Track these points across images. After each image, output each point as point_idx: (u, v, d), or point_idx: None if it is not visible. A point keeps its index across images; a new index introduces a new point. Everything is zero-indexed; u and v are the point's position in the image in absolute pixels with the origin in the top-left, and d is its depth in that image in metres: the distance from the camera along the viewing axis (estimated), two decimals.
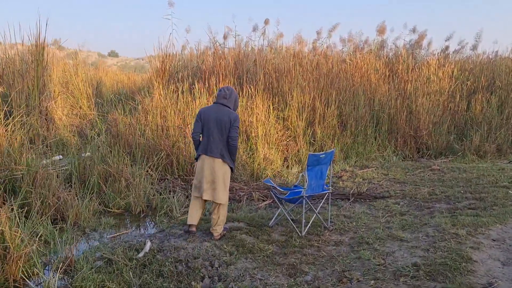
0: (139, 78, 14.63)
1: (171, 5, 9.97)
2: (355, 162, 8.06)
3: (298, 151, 7.85)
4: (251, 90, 8.16)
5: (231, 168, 4.31)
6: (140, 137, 6.92)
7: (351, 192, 5.95)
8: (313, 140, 8.22)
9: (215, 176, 4.20)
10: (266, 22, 10.19)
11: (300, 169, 7.29)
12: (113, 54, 40.55)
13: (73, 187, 5.13)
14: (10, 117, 7.46)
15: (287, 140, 8.00)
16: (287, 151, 7.86)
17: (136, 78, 14.68)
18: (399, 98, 9.33)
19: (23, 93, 7.87)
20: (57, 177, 5.06)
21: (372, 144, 8.61)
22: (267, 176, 6.79)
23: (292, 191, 4.73)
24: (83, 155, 6.70)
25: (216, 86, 8.33)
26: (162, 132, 7.17)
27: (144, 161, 6.31)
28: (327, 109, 8.53)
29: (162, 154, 6.50)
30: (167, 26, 9.96)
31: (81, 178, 5.55)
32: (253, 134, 7.46)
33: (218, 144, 4.18)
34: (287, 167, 7.38)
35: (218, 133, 4.17)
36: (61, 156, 6.75)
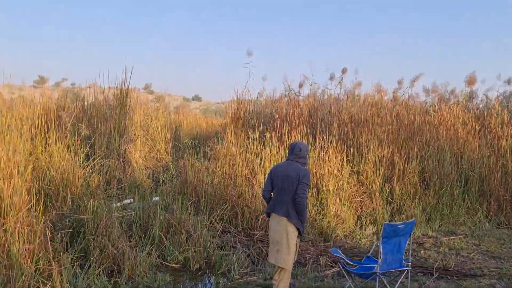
0: (217, 122, 14.97)
1: (250, 54, 10.14)
2: (439, 226, 7.14)
3: (373, 210, 7.17)
4: (324, 140, 7.78)
5: (298, 229, 3.94)
6: (207, 185, 6.81)
7: (435, 266, 5.17)
8: (390, 198, 7.49)
9: (279, 237, 3.90)
10: (344, 71, 9.86)
11: (375, 229, 6.60)
12: (196, 98, 42.92)
13: (133, 236, 5.06)
14: (91, 158, 7.88)
15: (362, 196, 7.38)
16: (361, 208, 7.22)
17: (214, 122, 15.03)
18: (492, 156, 8.26)
19: (105, 135, 8.30)
20: (120, 225, 5.04)
21: (459, 206, 7.62)
22: (337, 236, 6.23)
23: (363, 266, 4.16)
24: (154, 199, 6.75)
25: (288, 135, 8.08)
26: (229, 181, 7.00)
27: (209, 211, 6.16)
28: (407, 164, 7.80)
29: (227, 205, 6.29)
30: (245, 73, 10.05)
31: (143, 226, 5.48)
32: (324, 188, 6.99)
33: (284, 202, 3.90)
34: (361, 227, 6.73)
35: (286, 190, 3.91)
36: (131, 200, 6.84)
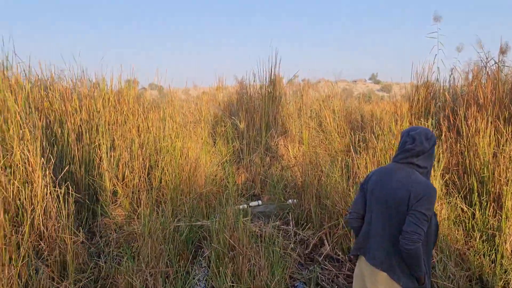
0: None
1: (437, 20, 7.76)
2: None
3: None
4: None
5: None
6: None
7: None
8: None
9: None
10: None
11: None
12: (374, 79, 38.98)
13: None
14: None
15: None
16: None
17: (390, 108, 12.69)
18: None
19: (253, 129, 7.78)
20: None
21: None
22: None
23: None
24: (289, 201, 5.79)
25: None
26: None
27: None
28: None
29: None
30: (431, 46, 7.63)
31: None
32: (508, 204, 4.38)
33: (382, 240, 2.27)
34: None
35: (384, 219, 2.25)
36: (259, 202, 6.03)
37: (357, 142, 7.02)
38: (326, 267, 4.17)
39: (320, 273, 4.01)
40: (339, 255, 4.38)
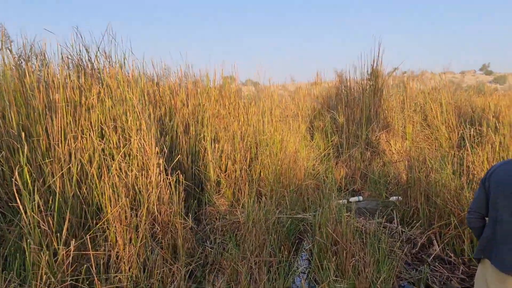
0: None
1: None
2: None
3: None
4: None
5: None
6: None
7: None
8: None
9: None
10: None
11: None
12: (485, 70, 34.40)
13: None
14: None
15: None
16: None
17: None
18: None
19: (354, 123, 7.51)
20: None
21: None
22: None
23: None
24: (393, 198, 5.51)
25: None
26: None
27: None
28: None
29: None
30: None
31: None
32: None
33: None
34: None
35: None
36: (360, 197, 5.79)
37: (469, 137, 6.38)
38: (436, 269, 3.84)
39: (430, 274, 3.70)
40: (450, 257, 4.00)
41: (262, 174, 5.51)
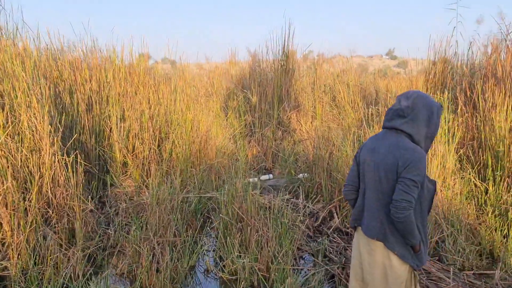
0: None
1: None
2: None
3: None
4: None
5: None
6: None
7: None
8: None
9: (368, 271, 2.24)
10: None
11: None
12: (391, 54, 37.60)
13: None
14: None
15: None
16: None
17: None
18: None
19: (266, 103, 7.66)
20: None
21: None
22: None
23: None
24: (300, 175, 5.72)
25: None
26: None
27: None
28: None
29: None
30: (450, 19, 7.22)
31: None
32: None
33: (376, 211, 2.16)
34: None
35: (377, 189, 2.14)
36: (270, 175, 5.97)
37: (370, 116, 6.85)
38: (335, 240, 4.12)
39: (328, 245, 3.96)
40: (348, 228, 4.31)
41: (173, 154, 5.41)
